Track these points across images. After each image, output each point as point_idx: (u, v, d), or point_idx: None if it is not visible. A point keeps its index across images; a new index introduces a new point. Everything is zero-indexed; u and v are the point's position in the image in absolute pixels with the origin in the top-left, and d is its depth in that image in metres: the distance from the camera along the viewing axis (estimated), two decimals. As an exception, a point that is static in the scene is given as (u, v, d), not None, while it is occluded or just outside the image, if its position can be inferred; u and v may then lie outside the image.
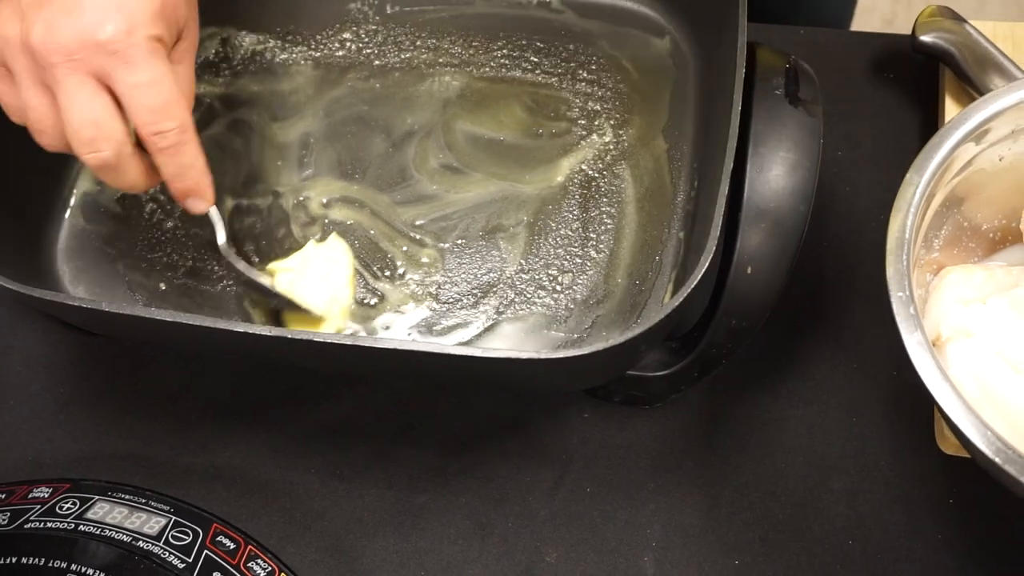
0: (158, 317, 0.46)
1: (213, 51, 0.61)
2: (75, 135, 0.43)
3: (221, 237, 0.52)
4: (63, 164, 0.58)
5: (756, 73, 0.50)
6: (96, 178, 0.58)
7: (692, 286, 0.44)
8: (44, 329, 0.59)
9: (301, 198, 0.57)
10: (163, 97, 0.44)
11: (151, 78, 0.43)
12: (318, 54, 0.61)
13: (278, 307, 0.53)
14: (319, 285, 0.53)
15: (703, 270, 0.44)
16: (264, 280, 0.53)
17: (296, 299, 0.52)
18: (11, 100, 0.45)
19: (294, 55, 0.61)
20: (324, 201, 0.57)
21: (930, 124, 0.61)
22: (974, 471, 0.52)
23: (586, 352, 0.43)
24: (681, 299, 0.44)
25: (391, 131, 0.58)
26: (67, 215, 0.57)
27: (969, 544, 0.51)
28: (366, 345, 0.44)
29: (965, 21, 0.59)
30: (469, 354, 0.44)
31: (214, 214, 0.51)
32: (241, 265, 0.52)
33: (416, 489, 0.54)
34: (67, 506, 0.49)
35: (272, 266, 0.54)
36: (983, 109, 0.48)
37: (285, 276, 0.53)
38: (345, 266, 0.54)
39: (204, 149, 0.47)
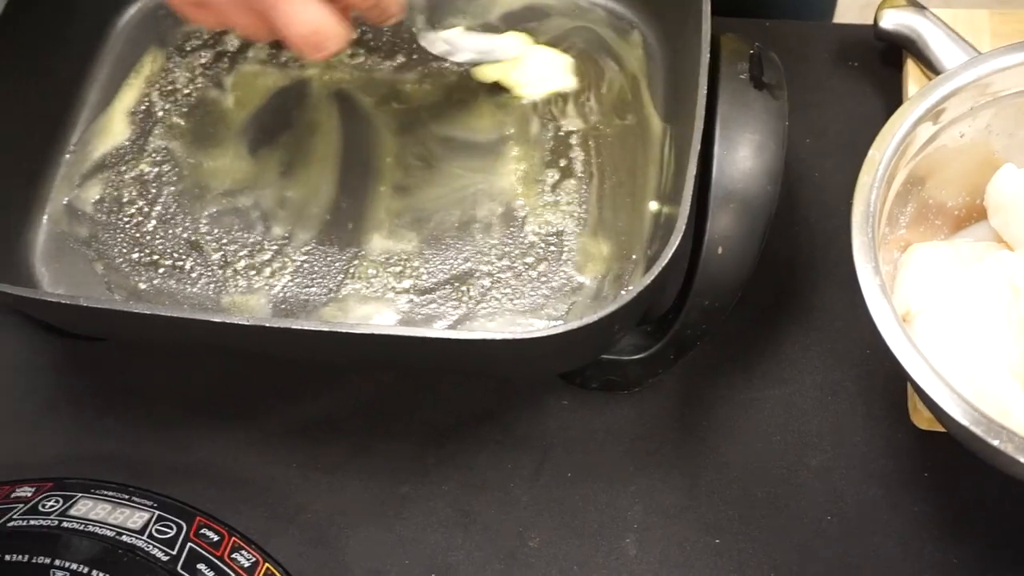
0: (136, 311, 0.47)
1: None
2: (303, 42, 0.45)
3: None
4: (41, 168, 0.58)
5: (721, 59, 0.51)
6: (74, 182, 0.58)
7: (663, 265, 0.45)
8: (25, 335, 0.60)
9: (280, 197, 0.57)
10: None
11: None
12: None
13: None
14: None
15: (673, 249, 0.45)
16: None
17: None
18: (211, 21, 0.47)
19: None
20: (295, 198, 0.57)
21: (895, 110, 0.62)
22: (947, 445, 0.53)
23: (560, 331, 0.44)
24: (652, 277, 0.45)
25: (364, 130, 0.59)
26: (45, 219, 0.58)
27: (944, 516, 0.52)
28: (344, 331, 0.45)
29: (926, 8, 0.61)
30: (446, 337, 0.45)
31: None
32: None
33: (398, 480, 0.54)
34: (50, 504, 0.49)
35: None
36: (939, 88, 0.49)
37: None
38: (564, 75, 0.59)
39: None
